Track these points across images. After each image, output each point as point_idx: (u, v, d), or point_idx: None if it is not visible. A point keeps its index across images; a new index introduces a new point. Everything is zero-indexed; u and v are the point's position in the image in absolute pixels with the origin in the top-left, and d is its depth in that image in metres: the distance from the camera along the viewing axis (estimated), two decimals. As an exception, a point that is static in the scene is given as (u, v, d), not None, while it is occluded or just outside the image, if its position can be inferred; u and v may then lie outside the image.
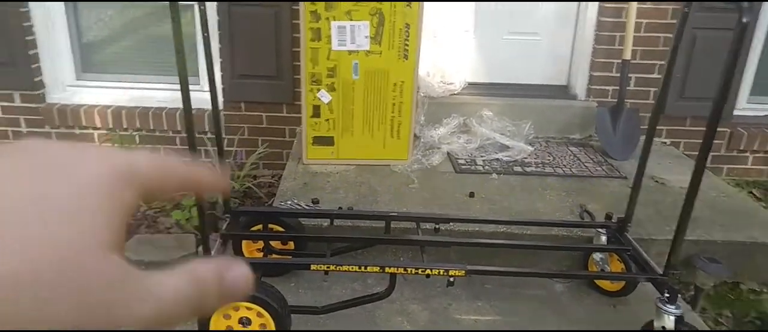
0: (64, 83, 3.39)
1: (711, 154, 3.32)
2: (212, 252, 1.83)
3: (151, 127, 3.32)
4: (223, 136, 3.33)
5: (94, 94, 3.38)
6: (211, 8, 3.08)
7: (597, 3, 3.17)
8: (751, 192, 3.28)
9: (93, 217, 0.24)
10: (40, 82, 3.29)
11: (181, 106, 3.28)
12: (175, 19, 1.46)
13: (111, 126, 3.32)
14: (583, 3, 3.25)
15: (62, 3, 3.23)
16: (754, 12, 3.08)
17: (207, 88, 3.24)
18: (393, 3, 2.50)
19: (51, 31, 3.25)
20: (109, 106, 3.31)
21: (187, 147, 3.35)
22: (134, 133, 3.36)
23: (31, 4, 3.14)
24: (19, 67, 3.18)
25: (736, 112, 3.37)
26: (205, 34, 1.77)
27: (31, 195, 0.23)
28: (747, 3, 1.46)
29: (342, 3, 2.47)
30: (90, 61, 3.44)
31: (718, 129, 3.44)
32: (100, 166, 0.26)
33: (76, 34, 3.35)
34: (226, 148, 3.32)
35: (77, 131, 3.36)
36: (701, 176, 1.60)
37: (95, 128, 3.34)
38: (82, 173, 0.25)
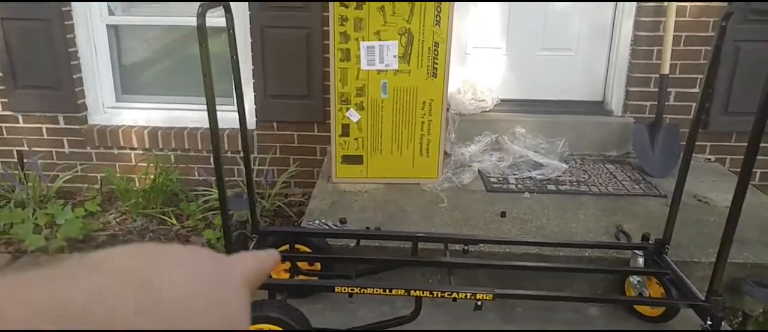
0: (105, 105, 3.52)
1: (760, 171, 3.23)
2: None
3: (186, 147, 3.40)
4: (256, 154, 3.39)
5: (132, 116, 3.50)
6: (245, 30, 3.15)
7: (632, 17, 3.08)
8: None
9: (241, 306, 0.35)
10: (83, 104, 3.42)
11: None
12: (202, 44, 1.48)
13: (148, 146, 3.41)
14: (618, 17, 3.17)
15: (105, 30, 3.36)
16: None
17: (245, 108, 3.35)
18: (422, 22, 2.49)
19: (94, 55, 3.38)
20: (145, 127, 3.41)
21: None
22: (170, 153, 3.44)
23: (77, 30, 3.28)
24: (65, 90, 3.31)
25: (785, 126, 3.21)
26: (234, 57, 1.79)
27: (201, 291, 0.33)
28: None
29: (371, 23, 2.48)
30: (129, 83, 3.56)
31: (766, 144, 3.31)
32: (240, 271, 0.37)
33: (117, 58, 3.47)
34: (258, 167, 3.37)
35: (116, 151, 3.46)
36: (745, 193, 1.51)
37: (132, 148, 3.44)
38: (231, 276, 0.36)
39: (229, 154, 3.39)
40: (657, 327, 1.96)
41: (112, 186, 3.34)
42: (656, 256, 1.94)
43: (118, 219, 3.14)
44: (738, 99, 3.07)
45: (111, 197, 3.40)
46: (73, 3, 3.23)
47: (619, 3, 3.16)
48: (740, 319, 2.03)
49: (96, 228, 3.02)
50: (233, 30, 1.78)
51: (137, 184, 3.43)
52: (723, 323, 1.57)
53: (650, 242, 1.99)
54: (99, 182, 3.46)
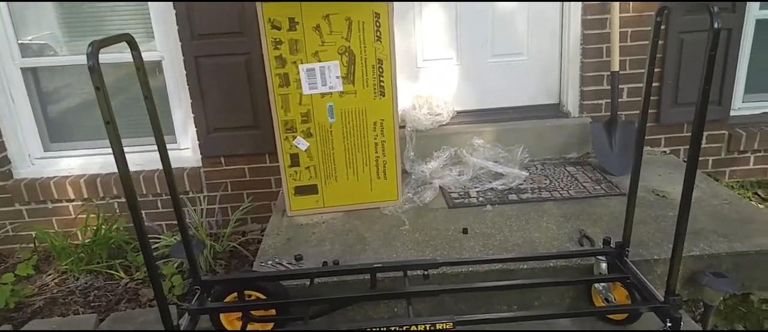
0: (32, 156, 3.46)
1: (712, 158, 3.42)
2: (181, 329, 1.82)
3: (129, 193, 3.36)
4: (205, 193, 3.38)
5: (66, 165, 3.45)
6: (179, 63, 3.15)
7: (579, 16, 3.22)
8: (756, 194, 3.30)
9: None
10: (4, 158, 3.35)
11: (157, 166, 3.34)
12: (98, 88, 1.43)
13: (86, 196, 3.36)
14: (565, 18, 3.30)
15: (19, 74, 3.30)
16: (738, 10, 3.12)
17: (185, 145, 3.35)
18: (362, 40, 2.54)
19: (11, 103, 3.32)
20: (82, 176, 3.37)
21: (169, 209, 3.40)
22: (112, 200, 3.40)
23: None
24: (-20, 144, 3.23)
25: (732, 113, 3.43)
26: (147, 96, 1.77)
27: None
28: (718, 5, 1.49)
29: (308, 44, 2.52)
30: (58, 130, 3.50)
31: (716, 131, 3.51)
32: None
33: (39, 104, 3.42)
34: (207, 206, 3.36)
35: (50, 205, 3.40)
36: (691, 189, 1.62)
37: (69, 200, 3.39)
38: None
39: (182, 196, 3.37)
40: (625, 327, 2.04)
41: (47, 245, 3.27)
42: (618, 260, 2.03)
43: (56, 281, 3.07)
44: (686, 90, 3.25)
45: (48, 256, 3.33)
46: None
47: (565, 4, 3.29)
48: (702, 310, 2.14)
49: (30, 293, 2.95)
50: (142, 67, 1.74)
51: (79, 238, 3.38)
52: (686, 316, 1.65)
53: (611, 246, 2.08)
54: (33, 241, 3.39)
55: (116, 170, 3.26)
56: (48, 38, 3.35)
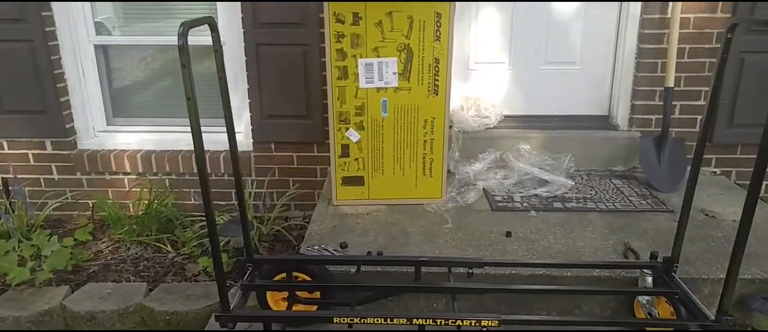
0: (96, 129, 3.60)
1: (766, 182, 3.31)
2: (231, 305, 1.87)
3: (181, 171, 3.48)
4: (253, 177, 3.47)
5: (125, 140, 3.58)
6: (239, 48, 3.24)
7: (636, 30, 3.18)
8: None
9: None
10: (71, 128, 3.49)
11: (210, 148, 3.46)
12: (185, 66, 1.48)
13: (141, 171, 3.49)
14: (622, 29, 3.27)
15: (92, 50, 3.45)
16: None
17: (238, 129, 3.44)
18: (421, 38, 2.58)
19: (82, 77, 3.46)
20: (138, 151, 3.49)
21: (215, 190, 3.50)
22: (164, 177, 3.51)
23: (63, 51, 3.36)
24: (51, 114, 3.39)
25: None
26: (222, 77, 1.84)
27: None
28: None
29: (369, 39, 2.56)
30: (121, 106, 3.64)
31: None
32: None
33: (106, 80, 3.56)
34: (255, 190, 3.44)
35: (108, 177, 3.54)
36: (754, 209, 1.58)
37: (125, 173, 3.52)
38: None
39: (225, 178, 3.47)
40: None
41: (104, 214, 3.40)
42: (665, 275, 2.01)
43: (110, 248, 3.20)
44: (742, 111, 3.18)
45: (103, 225, 3.46)
46: (57, 23, 3.30)
47: (622, 15, 3.26)
48: (750, 337, 2.11)
49: (86, 258, 3.08)
50: (220, 49, 1.80)
51: (131, 211, 3.50)
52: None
53: (658, 260, 2.06)
54: (90, 209, 3.53)
55: (171, 148, 3.46)
56: (113, 21, 3.48)
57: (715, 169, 3.34)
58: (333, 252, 2.36)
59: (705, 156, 3.23)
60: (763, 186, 3.34)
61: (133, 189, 3.52)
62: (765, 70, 3.03)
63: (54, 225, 3.48)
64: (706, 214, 2.69)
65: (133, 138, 3.58)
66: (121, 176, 3.54)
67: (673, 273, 1.99)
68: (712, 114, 1.85)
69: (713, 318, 1.71)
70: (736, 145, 3.29)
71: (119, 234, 3.25)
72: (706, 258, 2.28)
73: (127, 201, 3.54)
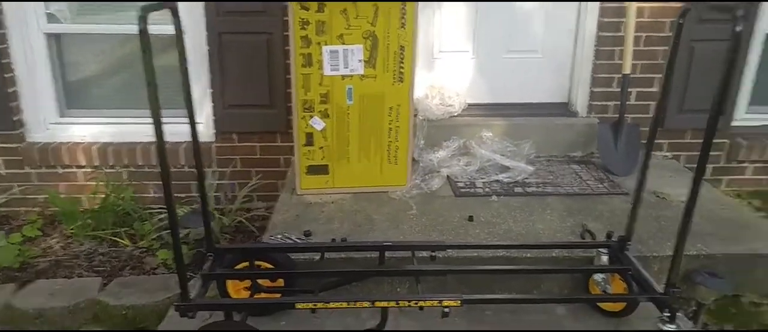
0: (47, 121, 3.53)
1: (711, 165, 3.54)
2: (192, 295, 1.88)
3: (140, 163, 3.46)
4: (215, 168, 3.47)
5: (79, 132, 3.53)
6: (201, 37, 3.24)
7: (595, 18, 3.32)
8: (750, 203, 3.41)
9: None
10: (19, 121, 3.42)
11: (170, 140, 3.45)
12: (145, 51, 1.50)
13: (97, 163, 3.45)
14: (582, 18, 3.40)
15: (43, 39, 3.38)
16: (749, 21, 3.22)
17: (199, 120, 3.44)
18: (387, 25, 2.63)
19: (32, 68, 3.39)
20: (94, 143, 3.45)
21: (176, 182, 3.50)
22: (121, 170, 3.48)
23: (11, 41, 3.28)
24: (-2, 106, 3.29)
25: (734, 123, 3.55)
26: (184, 65, 1.86)
27: None
28: (741, 8, 1.55)
29: (334, 27, 2.60)
30: (75, 98, 3.59)
31: (717, 140, 3.63)
32: None
33: (59, 71, 3.50)
34: (217, 181, 3.45)
35: (60, 170, 3.48)
36: (697, 192, 1.71)
37: (79, 166, 3.47)
38: None
39: (185, 169, 3.46)
40: (619, 322, 2.15)
41: (56, 209, 3.36)
42: (619, 253, 2.13)
43: (62, 244, 3.15)
44: (692, 97, 3.36)
45: (55, 220, 3.41)
46: (5, 10, 3.22)
47: (582, 5, 3.39)
48: (694, 308, 2.25)
49: (35, 254, 3.03)
50: (182, 36, 1.82)
51: (86, 205, 3.46)
52: (678, 313, 1.75)
53: (613, 240, 2.19)
54: (40, 204, 3.46)
55: (129, 140, 3.43)
56: (65, 13, 3.42)
57: (666, 153, 3.52)
58: (296, 240, 2.40)
59: (658, 140, 3.46)
60: (710, 168, 3.54)
61: (87, 183, 3.48)
62: (713, 57, 3.20)
63: (0, 222, 3.41)
64: (658, 196, 2.85)
65: (89, 130, 3.53)
66: (74, 169, 3.49)
67: (626, 252, 2.11)
68: (664, 100, 1.97)
69: (662, 291, 1.83)
70: (685, 130, 3.48)
71: (72, 229, 3.22)
72: (657, 236, 2.42)
73: (81, 196, 3.50)
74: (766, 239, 2.42)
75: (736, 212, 2.72)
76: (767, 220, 2.89)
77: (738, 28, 1.51)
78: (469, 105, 3.52)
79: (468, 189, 2.95)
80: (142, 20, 1.47)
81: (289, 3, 2.56)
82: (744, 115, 3.59)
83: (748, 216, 2.69)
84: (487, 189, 2.94)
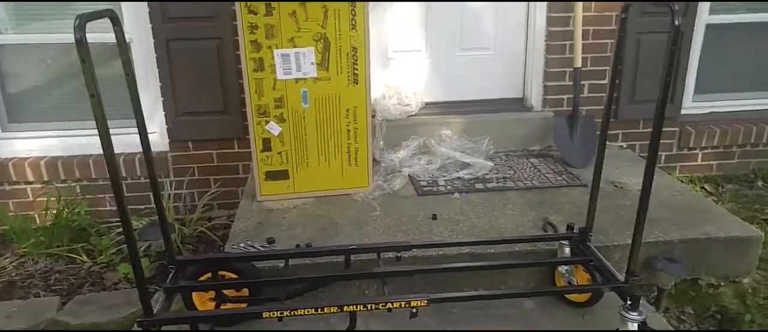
0: (-12, 136, 3.35)
1: (664, 153, 3.63)
2: (155, 309, 1.81)
3: (93, 176, 3.32)
4: (172, 178, 3.36)
5: (25, 146, 3.36)
6: (149, 46, 3.13)
7: (544, 13, 3.35)
8: (703, 188, 3.52)
9: None
10: (-41, 137, 3.24)
11: (125, 151, 3.32)
12: (84, 61, 1.43)
13: (46, 178, 3.30)
14: (532, 14, 3.43)
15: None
16: (688, 16, 3.32)
17: (152, 129, 3.32)
18: (338, 27, 2.59)
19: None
20: (43, 158, 3.30)
21: (133, 194, 3.38)
22: (74, 184, 3.34)
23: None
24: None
25: (683, 111, 3.65)
26: (129, 73, 1.77)
27: None
28: (678, 5, 1.61)
29: (284, 30, 2.54)
30: (18, 111, 3.41)
31: (668, 128, 3.73)
32: None
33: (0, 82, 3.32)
34: (175, 191, 3.34)
35: (7, 187, 3.32)
36: (651, 182, 1.72)
37: (28, 182, 3.31)
38: None
39: (142, 181, 3.34)
40: (586, 312, 2.16)
41: (5, 227, 3.20)
42: (581, 244, 2.15)
43: (14, 264, 3.01)
44: (642, 88, 3.44)
45: (5, 239, 3.24)
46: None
47: (531, 1, 3.42)
48: (656, 293, 2.30)
49: (-14, 276, 2.88)
50: (125, 43, 1.74)
51: (37, 222, 3.31)
52: (640, 302, 1.78)
53: (574, 231, 2.20)
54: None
55: (80, 153, 3.28)
56: (5, 22, 3.25)
57: (622, 144, 3.59)
58: (259, 248, 2.34)
59: (613, 131, 3.53)
60: (663, 157, 3.64)
61: (38, 199, 3.32)
62: (659, 49, 3.28)
63: (-53, 244, 3.23)
64: (616, 186, 2.89)
65: (35, 144, 3.37)
66: (22, 186, 3.33)
67: (588, 242, 2.13)
68: (613, 92, 1.99)
69: (622, 280, 1.85)
70: (638, 120, 3.55)
71: (24, 248, 3.06)
72: (617, 226, 2.46)
73: (33, 212, 3.34)
74: (718, 222, 2.49)
75: (690, 198, 2.79)
76: (718, 204, 2.98)
77: (677, 22, 1.55)
78: (427, 103, 3.52)
79: (430, 188, 2.93)
80: (80, 29, 1.40)
81: (236, 7, 2.49)
82: (691, 104, 3.70)
83: (700, 201, 2.76)
84: (449, 187, 2.93)
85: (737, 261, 2.43)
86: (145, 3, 3.04)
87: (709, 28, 3.54)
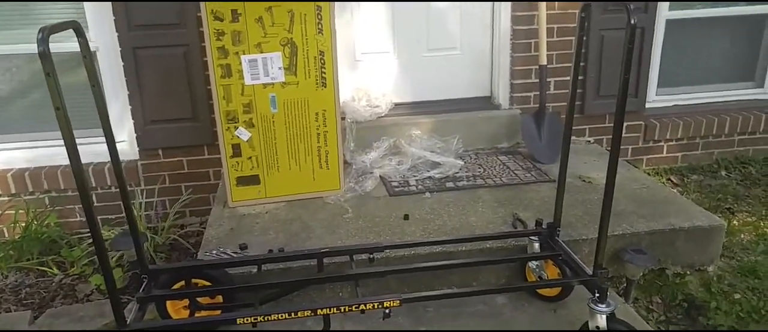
0: (-47, 150, 3.20)
1: (630, 146, 3.63)
2: (128, 319, 1.76)
3: (62, 187, 3.20)
4: (142, 186, 3.26)
5: (-9, 158, 3.22)
6: (115, 54, 3.03)
7: (509, 12, 3.33)
8: (669, 179, 3.54)
9: None
10: None
11: (94, 161, 3.21)
12: (49, 74, 1.39)
13: (14, 191, 3.17)
14: (496, 14, 3.41)
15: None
16: (648, 12, 3.33)
17: (121, 138, 3.21)
18: (304, 32, 2.53)
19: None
20: (9, 170, 3.17)
21: (103, 204, 3.26)
22: (43, 195, 3.22)
23: None
24: None
25: (647, 105, 3.67)
26: (94, 85, 1.71)
27: None
28: (634, 4, 1.59)
29: (250, 36, 2.48)
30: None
31: (634, 122, 3.73)
32: None
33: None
34: (146, 200, 3.24)
35: (-25, 202, 3.18)
36: (615, 176, 1.71)
37: (-5, 195, 3.18)
38: None
39: (112, 190, 3.24)
40: (558, 305, 2.14)
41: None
42: (550, 239, 2.12)
43: (-17, 279, 2.89)
44: (606, 83, 3.44)
45: (-28, 254, 3.12)
46: None
47: (495, 1, 3.40)
48: (625, 285, 2.29)
49: (-45, 292, 2.75)
50: (89, 54, 1.69)
51: (6, 235, 3.18)
52: (610, 291, 1.75)
53: (543, 227, 2.18)
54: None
55: (48, 164, 3.16)
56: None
57: (589, 139, 3.59)
58: (232, 254, 2.27)
59: (579, 127, 3.53)
60: (630, 150, 3.65)
61: (6, 212, 3.19)
62: (621, 45, 3.25)
63: None
64: (583, 180, 2.88)
65: (1, 156, 3.23)
66: (-10, 199, 3.19)
67: (556, 237, 2.10)
68: (575, 88, 1.98)
69: (590, 273, 1.82)
70: (604, 115, 3.55)
71: (-7, 262, 2.94)
72: (585, 220, 2.44)
73: (1, 226, 3.21)
74: (683, 213, 2.49)
75: (655, 190, 2.78)
76: (683, 196, 2.99)
77: (633, 21, 1.54)
78: (396, 104, 3.47)
79: (402, 188, 2.88)
80: (43, 42, 1.35)
81: (202, 14, 2.42)
82: (655, 98, 3.72)
83: (666, 194, 2.75)
84: (420, 187, 2.89)
85: (702, 251, 2.43)
86: (110, 11, 2.93)
87: (670, 23, 3.57)
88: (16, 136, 3.28)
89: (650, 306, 2.29)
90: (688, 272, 2.43)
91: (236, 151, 2.67)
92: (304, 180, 2.79)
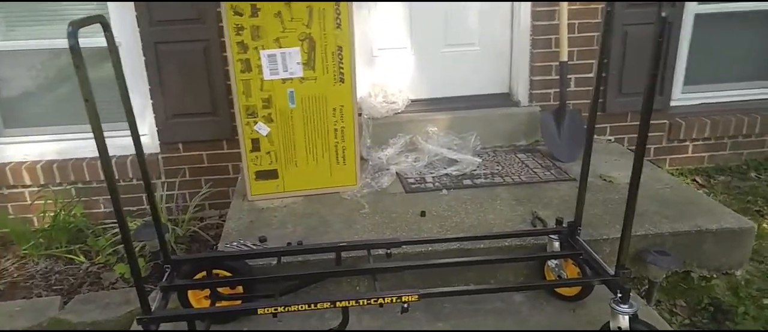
0: (-15, 141, 3.25)
1: (654, 146, 3.54)
2: (153, 307, 1.76)
3: (88, 179, 3.23)
4: (163, 179, 3.28)
5: (21, 151, 3.27)
6: (137, 49, 3.04)
7: (529, 7, 3.26)
8: (694, 180, 3.44)
9: None
10: (-45, 143, 3.15)
11: (116, 153, 3.24)
12: (79, 67, 1.39)
13: (43, 182, 3.21)
14: (516, 9, 3.34)
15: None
16: (677, 4, 3.23)
17: (143, 132, 3.23)
18: (322, 27, 2.50)
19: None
20: (39, 162, 3.21)
21: (125, 195, 3.29)
22: (69, 187, 3.26)
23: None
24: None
25: (672, 103, 3.55)
26: (120, 78, 1.72)
27: None
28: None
29: (269, 31, 2.46)
30: (12, 116, 3.31)
31: (658, 121, 3.63)
32: None
33: (-7, 88, 3.22)
34: (167, 192, 3.26)
35: (5, 191, 3.23)
36: (640, 174, 1.64)
37: (25, 186, 3.23)
38: None
39: (134, 182, 3.26)
40: (577, 305, 2.09)
41: (6, 230, 3.13)
42: (570, 238, 2.07)
43: (16, 265, 2.94)
44: (629, 81, 3.34)
45: (6, 242, 3.17)
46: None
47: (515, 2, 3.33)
48: (647, 287, 2.21)
49: (-10, 278, 2.81)
50: (116, 48, 1.70)
51: (36, 224, 3.24)
52: (632, 293, 1.70)
53: (563, 225, 2.12)
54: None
55: (74, 156, 3.19)
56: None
57: (610, 137, 3.50)
58: (252, 246, 2.26)
59: (600, 125, 3.44)
60: (652, 150, 3.55)
61: (35, 202, 3.23)
62: (645, 41, 3.19)
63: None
64: (604, 179, 2.81)
65: (31, 149, 3.28)
66: (20, 189, 3.24)
67: (577, 236, 2.05)
68: (599, 85, 1.91)
69: (612, 273, 1.77)
70: (626, 113, 3.46)
71: (25, 249, 2.99)
72: (606, 219, 2.38)
73: (31, 215, 3.26)
74: (709, 215, 2.39)
75: (680, 190, 2.69)
76: (709, 197, 2.90)
77: (663, 14, 1.45)
78: (412, 101, 3.43)
79: (418, 185, 2.85)
80: (72, 36, 1.36)
81: (222, 9, 2.41)
82: (680, 95, 3.59)
83: (691, 194, 2.66)
84: (436, 184, 2.85)
85: (730, 253, 2.34)
86: (132, 7, 2.95)
87: (698, 17, 3.43)
88: (43, 128, 3.32)
89: (674, 309, 2.22)
90: (715, 275, 2.35)
91: (255, 145, 2.66)
92: (321, 175, 2.77)
